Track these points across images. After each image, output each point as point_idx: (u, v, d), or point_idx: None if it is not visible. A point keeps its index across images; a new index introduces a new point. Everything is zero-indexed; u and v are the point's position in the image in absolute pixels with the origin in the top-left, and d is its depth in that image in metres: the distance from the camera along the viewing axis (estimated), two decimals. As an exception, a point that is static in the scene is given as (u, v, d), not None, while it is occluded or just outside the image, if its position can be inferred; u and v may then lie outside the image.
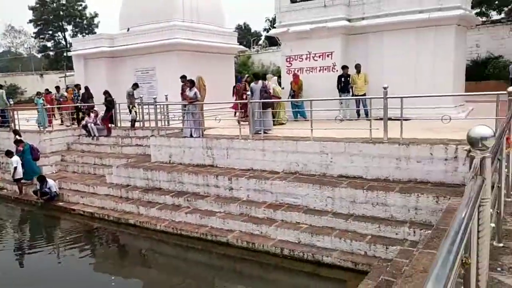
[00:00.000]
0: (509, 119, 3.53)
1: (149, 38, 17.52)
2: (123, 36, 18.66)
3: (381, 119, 8.55)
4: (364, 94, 12.34)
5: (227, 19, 23.51)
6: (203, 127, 11.09)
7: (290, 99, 13.07)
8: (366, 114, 11.85)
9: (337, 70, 13.15)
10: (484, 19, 27.12)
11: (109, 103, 14.89)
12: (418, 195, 7.14)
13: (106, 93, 14.98)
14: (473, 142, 1.65)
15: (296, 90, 13.26)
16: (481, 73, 22.42)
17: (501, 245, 3.13)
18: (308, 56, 13.81)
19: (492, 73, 22.06)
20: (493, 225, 2.94)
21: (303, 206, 8.35)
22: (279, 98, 12.61)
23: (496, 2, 27.38)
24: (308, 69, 13.85)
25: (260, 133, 10.23)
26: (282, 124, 12.38)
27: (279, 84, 14.03)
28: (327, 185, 8.22)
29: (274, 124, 11.88)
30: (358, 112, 12.66)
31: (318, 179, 8.66)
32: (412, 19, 12.21)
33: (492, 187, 3.10)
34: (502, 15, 27.26)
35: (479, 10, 27.93)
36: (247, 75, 17.44)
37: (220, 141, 10.35)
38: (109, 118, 15.01)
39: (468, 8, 12.58)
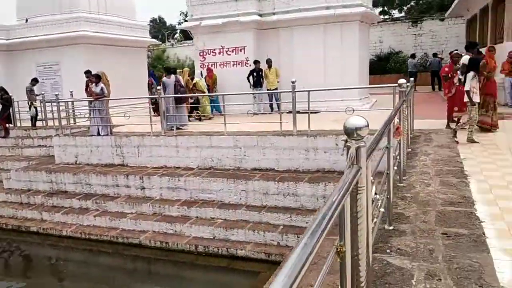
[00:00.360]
0: (397, 110, 3.75)
1: (51, 30, 16.20)
2: (21, 27, 17.06)
3: (299, 111, 8.77)
4: (276, 88, 12.58)
5: (140, 12, 22.68)
6: (112, 125, 10.52)
7: (204, 94, 12.92)
8: (279, 108, 12.09)
9: (250, 65, 13.25)
10: (386, 17, 29.16)
11: (6, 101, 13.54)
12: (325, 184, 7.44)
13: (2, 90, 13.59)
14: (349, 133, 1.68)
15: (210, 84, 13.14)
16: (384, 67, 24.09)
17: (391, 228, 3.33)
18: (221, 50, 13.74)
19: (394, 67, 23.80)
20: (382, 210, 3.11)
21: (217, 201, 8.29)
22: (204, 92, 12.46)
23: (397, 1, 29.54)
24: (222, 63, 13.79)
25: (173, 129, 9.97)
26: (211, 118, 12.26)
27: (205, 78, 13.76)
28: (241, 179, 8.25)
29: (201, 119, 11.80)
30: (271, 106, 12.89)
31: (232, 173, 8.65)
32: (320, 15, 12.69)
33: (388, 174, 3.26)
34: (403, 13, 29.51)
35: (381, 8, 29.95)
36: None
37: (131, 139, 9.91)
38: (6, 117, 13.66)
39: (369, 6, 13.37)
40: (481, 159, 5.85)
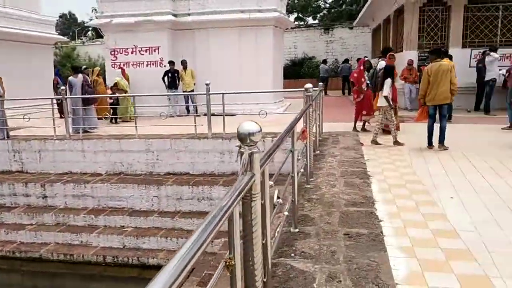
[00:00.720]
0: (302, 114, 3.82)
1: None
2: None
3: (213, 114, 8.66)
4: (192, 90, 12.38)
5: (47, 6, 21.00)
6: (8, 127, 9.55)
7: (118, 95, 12.29)
8: (196, 110, 11.90)
9: (165, 66, 12.89)
10: (301, 23, 30.25)
11: None
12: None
13: None
14: (242, 138, 1.61)
15: (123, 85, 12.55)
16: (298, 72, 24.97)
17: (297, 230, 3.36)
18: (134, 49, 13.21)
19: (307, 72, 24.76)
20: (286, 213, 3.12)
21: (128, 208, 7.90)
22: (126, 92, 11.82)
23: (311, 9, 30.80)
24: (135, 63, 13.25)
25: (79, 133, 9.32)
26: (132, 120, 11.65)
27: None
28: (153, 184, 7.95)
29: (126, 121, 11.14)
30: (187, 108, 12.65)
31: (144, 179, 8.31)
32: (235, 18, 12.74)
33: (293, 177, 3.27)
34: (316, 20, 30.83)
35: (296, 15, 31.02)
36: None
37: (31, 143, 9.08)
38: None
39: (283, 12, 13.73)
40: (383, 159, 6.23)
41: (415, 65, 12.43)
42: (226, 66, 12.98)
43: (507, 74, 11.53)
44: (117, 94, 11.44)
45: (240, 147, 1.65)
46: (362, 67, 9.13)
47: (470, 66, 12.18)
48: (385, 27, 17.45)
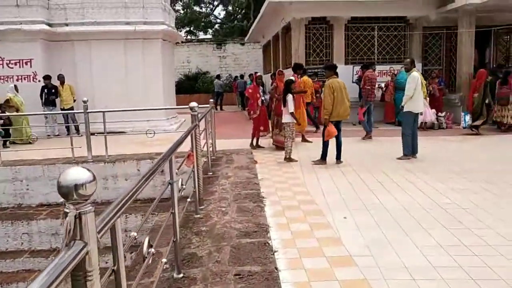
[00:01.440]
0: (184, 138, 3.36)
1: None
2: None
3: (94, 134, 7.72)
4: (72, 108, 11.18)
5: None
6: None
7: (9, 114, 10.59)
8: (78, 130, 10.73)
9: (39, 81, 11.49)
10: (193, 37, 29.96)
11: None
12: (126, 215, 6.67)
13: None
14: (66, 193, 1.09)
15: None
16: (193, 87, 24.51)
17: (180, 276, 2.86)
18: (1, 62, 11.56)
19: (202, 87, 24.44)
20: (164, 260, 2.61)
21: (-12, 250, 6.61)
22: (18, 110, 10.15)
23: (202, 23, 30.70)
24: (3, 77, 11.60)
25: None
26: (30, 143, 9.91)
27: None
28: (22, 219, 6.80)
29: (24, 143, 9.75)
30: (68, 128, 11.36)
31: (10, 213, 7.09)
32: (119, 30, 11.88)
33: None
34: (208, 35, 30.80)
35: (188, 28, 30.67)
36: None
37: None
38: None
39: (172, 25, 13.20)
40: (276, 178, 6.04)
41: (304, 80, 12.79)
42: (112, 81, 12.02)
43: (384, 89, 12.47)
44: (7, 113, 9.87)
45: (64, 205, 1.14)
46: (255, 83, 9.03)
47: (353, 82, 12.89)
48: (274, 44, 17.91)
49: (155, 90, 12.33)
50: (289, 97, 7.17)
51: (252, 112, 8.63)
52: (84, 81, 12.05)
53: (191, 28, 30.16)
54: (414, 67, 7.59)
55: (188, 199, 3.84)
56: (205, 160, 5.93)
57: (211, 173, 5.94)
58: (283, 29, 15.04)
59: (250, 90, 8.79)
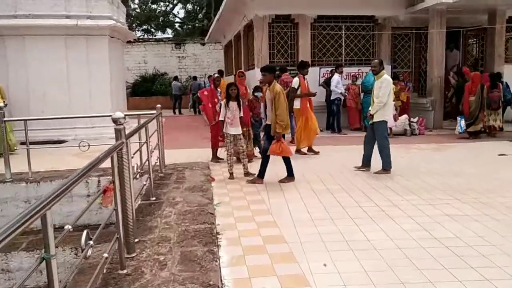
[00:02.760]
0: (89, 167, 2.23)
1: None
2: None
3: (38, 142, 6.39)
4: (0, 113, 9.61)
5: None
6: None
7: None
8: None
9: (-38, 81, 9.87)
10: (150, 36, 28.41)
11: None
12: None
13: None
14: None
15: None
16: (150, 89, 23.04)
17: None
18: None
19: (160, 89, 23.00)
20: None
21: None
22: None
23: (161, 22, 29.16)
24: None
25: None
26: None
27: None
28: None
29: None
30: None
31: None
32: (58, 24, 10.43)
33: None
34: (166, 34, 29.30)
35: (146, 27, 29.09)
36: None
37: None
38: None
39: (121, 20, 11.84)
40: (236, 202, 4.96)
41: (267, 83, 11.79)
42: (50, 82, 10.55)
43: (346, 93, 11.59)
44: None
45: None
46: (212, 85, 7.88)
47: (319, 85, 12.02)
48: (236, 44, 16.84)
49: (101, 93, 10.96)
50: (231, 104, 6.18)
51: (212, 118, 7.45)
52: (17, 82, 10.53)
53: (149, 27, 28.59)
54: (383, 69, 6.67)
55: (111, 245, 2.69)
56: (144, 184, 4.76)
57: (154, 198, 4.77)
58: (245, 28, 14.00)
59: (205, 93, 7.62)
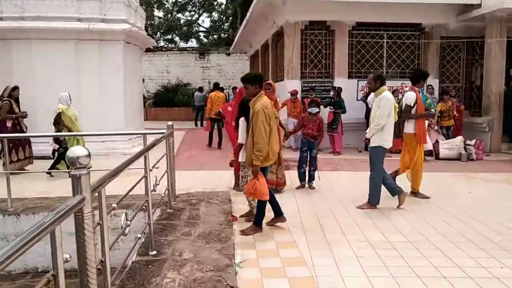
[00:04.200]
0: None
1: None
2: None
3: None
4: None
5: None
6: None
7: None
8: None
9: (-37, 88, 8.92)
10: (173, 45, 27.61)
11: None
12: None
13: None
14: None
15: None
16: (172, 99, 22.08)
17: None
18: None
19: (182, 100, 22.03)
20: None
21: None
22: (70, 129, 7.69)
23: (184, 31, 28.37)
24: None
25: None
26: None
27: None
28: None
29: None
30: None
31: None
32: (69, 28, 9.44)
33: None
34: (191, 43, 28.45)
35: (169, 37, 28.36)
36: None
37: None
38: None
39: (137, 25, 10.77)
40: (266, 261, 3.62)
41: (299, 96, 10.49)
42: (59, 89, 9.47)
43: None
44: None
45: None
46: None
47: (357, 99, 10.65)
48: (263, 54, 15.65)
49: (114, 103, 9.89)
50: (241, 121, 4.86)
51: (231, 139, 6.18)
52: (24, 90, 9.48)
53: (172, 36, 27.82)
54: (383, 84, 5.27)
55: None
56: (140, 237, 3.45)
57: (154, 253, 3.47)
58: (274, 36, 12.79)
59: (229, 108, 6.33)
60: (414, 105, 5.68)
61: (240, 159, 4.88)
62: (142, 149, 3.30)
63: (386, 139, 5.24)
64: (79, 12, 9.53)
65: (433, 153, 9.57)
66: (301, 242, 4.03)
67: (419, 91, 5.81)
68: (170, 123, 4.92)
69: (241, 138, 4.81)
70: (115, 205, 2.55)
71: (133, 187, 3.18)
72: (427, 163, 8.77)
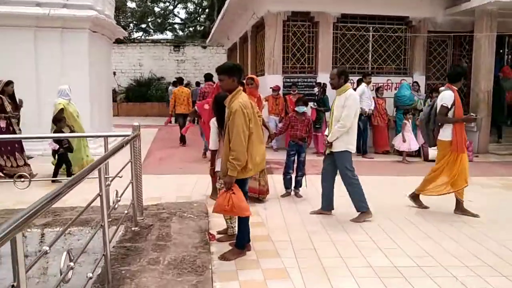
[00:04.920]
0: None
1: None
2: None
3: None
4: None
5: None
6: None
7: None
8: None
9: None
10: (146, 35, 26.48)
11: None
12: None
13: None
14: None
15: None
16: (144, 94, 21.07)
17: None
18: None
19: (155, 95, 21.05)
20: None
21: None
22: (71, 128, 6.71)
23: (158, 21, 27.16)
24: None
25: None
26: None
27: None
28: None
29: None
30: None
31: None
32: (27, 13, 8.47)
33: None
34: (165, 36, 27.32)
35: (143, 26, 27.19)
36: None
37: None
38: None
39: (106, 13, 9.83)
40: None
41: (281, 92, 9.82)
42: (15, 83, 8.54)
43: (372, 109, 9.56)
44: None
45: None
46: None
47: (342, 96, 10.04)
48: (241, 46, 14.90)
49: (78, 98, 8.93)
50: (212, 122, 4.20)
51: (208, 141, 5.47)
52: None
53: (146, 27, 26.65)
54: (346, 81, 4.66)
55: None
56: (91, 276, 2.70)
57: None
58: (254, 28, 12.07)
59: (206, 106, 5.59)
60: (451, 107, 4.80)
61: (216, 168, 4.17)
62: (93, 164, 2.54)
63: (352, 143, 4.66)
64: (38, -5, 8.56)
65: (421, 154, 9.13)
66: (293, 271, 3.36)
67: (456, 91, 4.92)
68: (136, 123, 4.15)
69: (212, 144, 4.11)
70: (47, 248, 1.81)
71: (80, 214, 2.43)
72: (413, 165, 8.34)
